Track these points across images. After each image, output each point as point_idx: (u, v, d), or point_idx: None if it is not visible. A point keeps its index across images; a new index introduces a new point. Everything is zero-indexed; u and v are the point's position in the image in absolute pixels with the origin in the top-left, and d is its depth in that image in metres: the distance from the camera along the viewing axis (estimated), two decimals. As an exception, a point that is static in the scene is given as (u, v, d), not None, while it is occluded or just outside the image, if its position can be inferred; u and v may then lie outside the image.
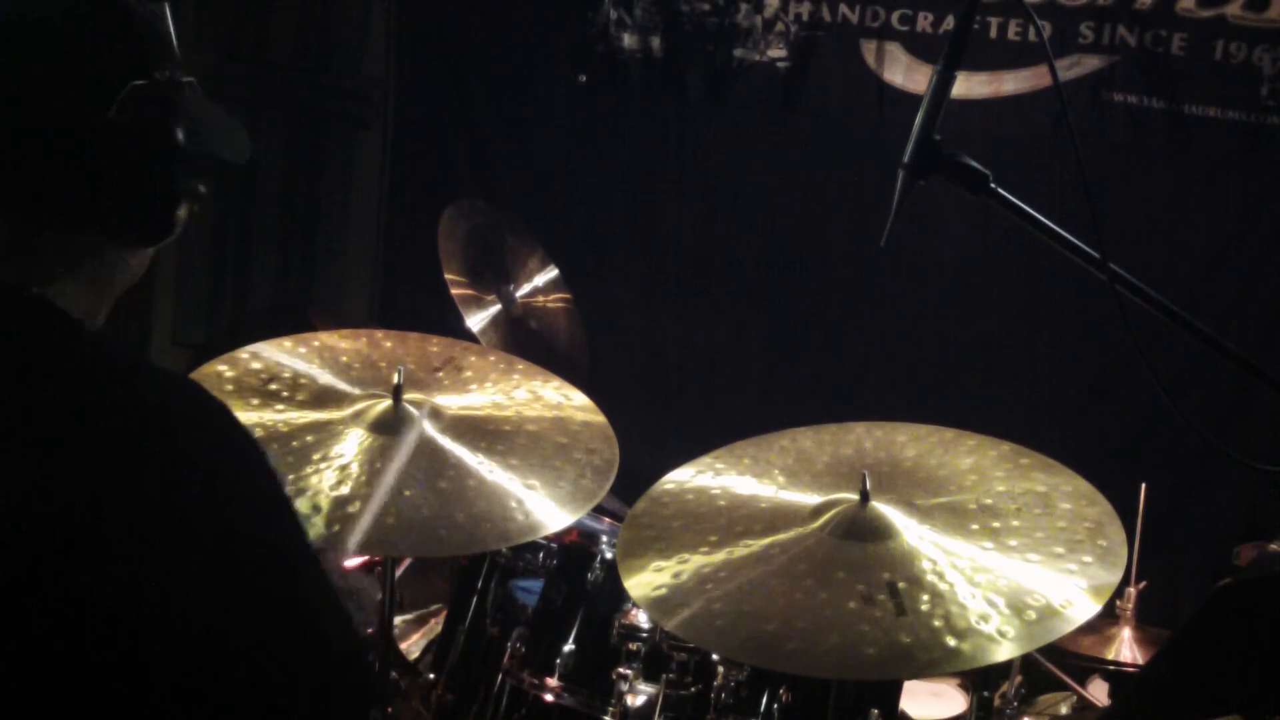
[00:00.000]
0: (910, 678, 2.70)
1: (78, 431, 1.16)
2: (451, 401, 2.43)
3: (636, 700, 2.37)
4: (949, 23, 3.97)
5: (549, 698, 2.45)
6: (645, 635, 2.41)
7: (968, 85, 3.91)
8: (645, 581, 2.11)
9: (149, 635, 1.13)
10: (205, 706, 1.15)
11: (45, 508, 1.12)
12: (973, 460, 2.27)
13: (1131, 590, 3.10)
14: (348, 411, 2.35)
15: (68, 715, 1.11)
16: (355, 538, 2.10)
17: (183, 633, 1.14)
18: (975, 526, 2.10)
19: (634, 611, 2.42)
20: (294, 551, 1.26)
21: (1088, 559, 2.03)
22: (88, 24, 1.24)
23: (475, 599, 2.63)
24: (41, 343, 1.22)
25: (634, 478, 2.39)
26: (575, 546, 2.56)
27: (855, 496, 2.14)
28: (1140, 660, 3.03)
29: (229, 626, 1.16)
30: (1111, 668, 3.11)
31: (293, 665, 1.20)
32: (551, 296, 3.75)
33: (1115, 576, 2.01)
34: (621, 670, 2.39)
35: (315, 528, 2.11)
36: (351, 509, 2.16)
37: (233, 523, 1.19)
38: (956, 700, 3.26)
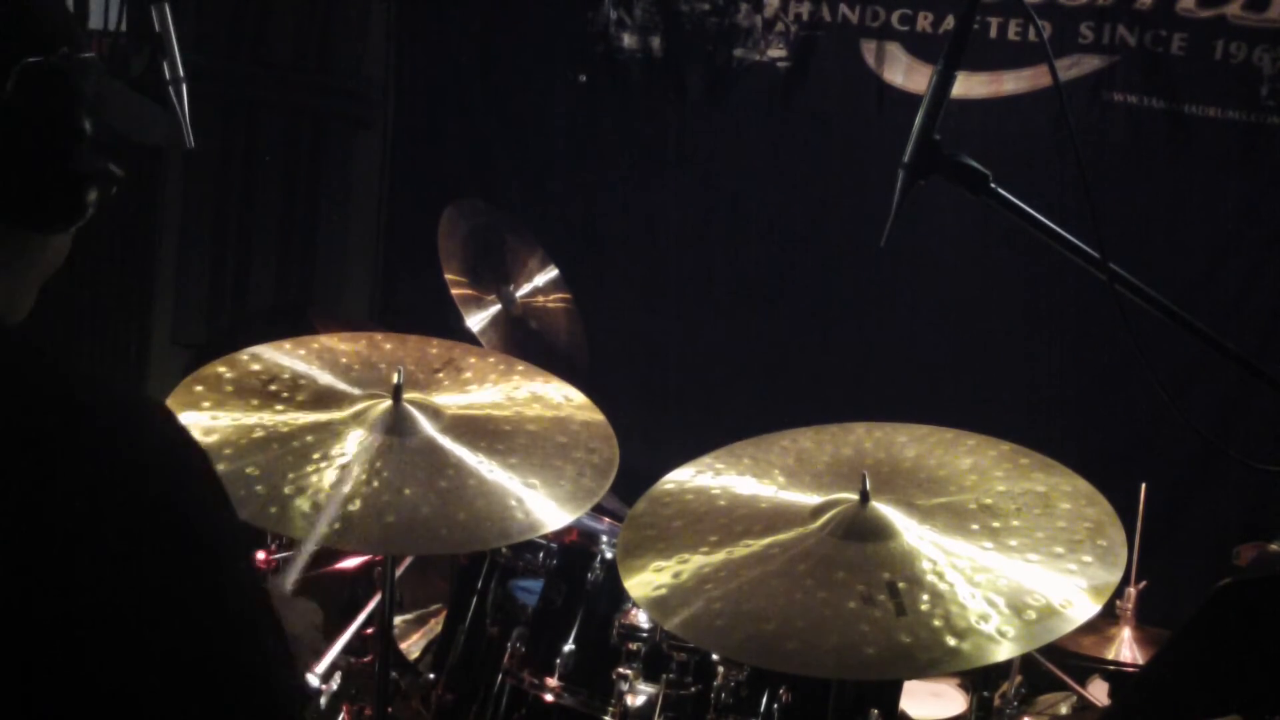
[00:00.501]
0: (910, 678, 2.70)
1: None
2: (452, 401, 2.43)
3: (636, 700, 2.37)
4: (949, 23, 3.97)
5: (549, 698, 2.45)
6: (645, 635, 2.41)
7: (968, 85, 3.91)
8: (645, 581, 2.11)
9: (45, 634, 1.08)
10: None
11: None
12: (973, 460, 2.27)
13: (1131, 590, 3.11)
14: (348, 412, 2.35)
15: None
16: (320, 529, 2.09)
17: (77, 631, 1.08)
18: (975, 526, 2.10)
19: (634, 611, 2.42)
20: (216, 554, 1.18)
21: (1088, 559, 2.03)
22: None
23: (475, 599, 2.63)
24: None
25: (634, 478, 2.39)
26: (575, 546, 2.56)
27: (855, 496, 2.14)
28: (1140, 660, 3.03)
29: (137, 633, 1.10)
30: (1111, 668, 3.11)
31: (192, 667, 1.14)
32: (551, 296, 3.75)
33: (1115, 576, 2.01)
34: (621, 670, 2.39)
35: (316, 526, 2.12)
36: (351, 508, 2.16)
37: (148, 522, 1.13)
38: (956, 700, 3.26)
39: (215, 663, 1.15)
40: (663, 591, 2.08)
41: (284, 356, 2.47)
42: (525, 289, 3.69)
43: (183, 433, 1.21)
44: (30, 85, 1.20)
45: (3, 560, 1.07)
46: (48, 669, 1.07)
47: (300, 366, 2.45)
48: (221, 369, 2.41)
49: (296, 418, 2.32)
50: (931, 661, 1.91)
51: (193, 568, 1.15)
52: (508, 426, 2.40)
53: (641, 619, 2.41)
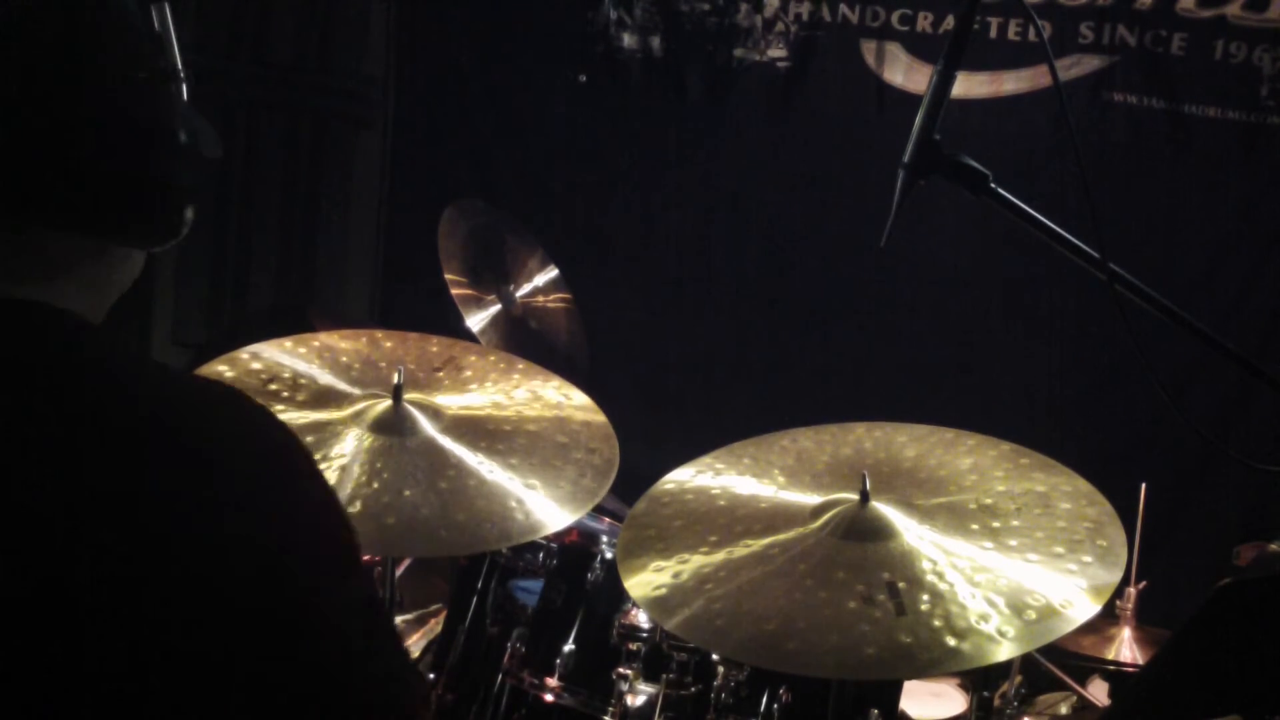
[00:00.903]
0: (910, 678, 2.70)
1: (79, 436, 1.10)
2: (452, 401, 2.43)
3: (636, 700, 2.37)
4: (949, 23, 3.97)
5: (549, 698, 2.45)
6: (645, 635, 2.41)
7: (968, 85, 3.91)
8: (645, 581, 2.10)
9: (144, 644, 1.07)
10: None
11: (45, 514, 1.07)
12: (973, 460, 2.27)
13: (1131, 590, 3.11)
14: (348, 412, 2.35)
15: None
16: None
17: (181, 644, 1.07)
18: (975, 526, 2.10)
19: (634, 611, 2.42)
20: (323, 567, 1.16)
21: (1088, 559, 2.03)
22: (83, 17, 1.19)
23: (475, 599, 2.63)
24: (41, 345, 1.17)
25: (634, 478, 2.39)
26: (575, 546, 2.56)
27: (855, 496, 2.14)
28: (1140, 660, 3.03)
29: (232, 644, 1.09)
30: (1111, 668, 3.11)
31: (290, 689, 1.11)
32: (551, 296, 3.75)
33: (1115, 576, 2.01)
34: (621, 670, 2.38)
35: None
36: (352, 509, 2.16)
37: (248, 527, 1.11)
38: (956, 700, 3.26)
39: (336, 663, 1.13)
40: (663, 591, 2.08)
41: (284, 355, 2.46)
42: (525, 289, 3.69)
43: (283, 435, 1.19)
44: (137, 101, 1.20)
45: (112, 550, 1.06)
46: (137, 637, 1.06)
47: (300, 366, 2.45)
48: (221, 368, 2.40)
49: (296, 417, 2.32)
50: (931, 661, 1.90)
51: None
52: (508, 427, 2.40)
53: (641, 619, 2.41)
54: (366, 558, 2.90)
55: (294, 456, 1.19)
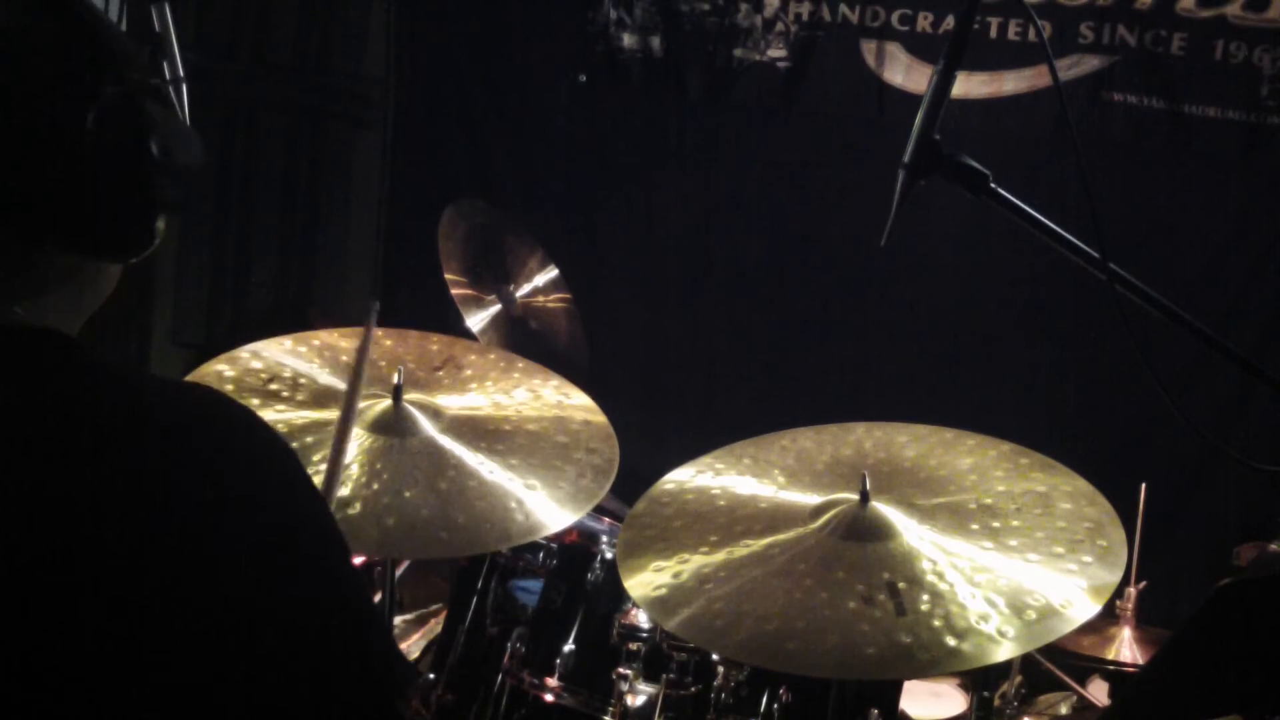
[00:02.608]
0: (910, 678, 2.70)
1: (79, 444, 1.12)
2: (451, 401, 2.43)
3: (636, 700, 2.37)
4: (949, 23, 3.97)
5: (549, 698, 2.45)
6: (645, 635, 2.41)
7: (968, 85, 3.91)
8: (645, 581, 2.11)
9: (146, 643, 1.09)
10: None
11: (49, 513, 1.09)
12: (973, 460, 2.27)
13: (1131, 590, 3.10)
14: (348, 411, 2.35)
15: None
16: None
17: (177, 643, 1.10)
18: (975, 526, 2.10)
19: (634, 611, 2.42)
20: (321, 569, 1.18)
21: (1088, 559, 2.03)
22: (58, 35, 1.18)
23: (475, 599, 2.63)
24: (35, 361, 1.17)
25: (634, 478, 2.39)
26: (575, 546, 2.55)
27: (855, 496, 2.14)
28: (1140, 660, 3.03)
29: (227, 639, 1.11)
30: (1111, 668, 3.11)
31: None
32: (551, 296, 3.75)
33: (1115, 576, 2.02)
34: (621, 670, 2.38)
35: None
36: (351, 510, 2.16)
37: (246, 529, 1.14)
38: (956, 700, 3.26)
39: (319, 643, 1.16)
40: (663, 591, 2.08)
41: (284, 354, 2.46)
42: (525, 289, 3.69)
43: (273, 440, 1.22)
44: (110, 116, 1.18)
45: (112, 558, 1.08)
46: (138, 635, 1.09)
47: (301, 365, 2.45)
48: (221, 368, 2.41)
49: (297, 417, 2.32)
50: (931, 661, 1.91)
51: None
52: (508, 427, 2.40)
53: (641, 619, 2.41)
54: (367, 558, 2.91)
55: (284, 458, 1.21)
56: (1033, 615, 1.93)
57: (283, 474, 1.20)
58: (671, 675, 2.37)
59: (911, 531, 2.09)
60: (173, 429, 1.16)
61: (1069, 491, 2.18)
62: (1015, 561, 2.03)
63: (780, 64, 4.17)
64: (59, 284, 1.23)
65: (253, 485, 1.17)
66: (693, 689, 2.38)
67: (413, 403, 2.36)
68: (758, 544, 2.12)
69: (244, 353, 2.44)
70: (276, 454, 1.21)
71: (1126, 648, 3.07)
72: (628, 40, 4.29)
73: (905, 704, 2.58)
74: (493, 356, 2.63)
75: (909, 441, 2.35)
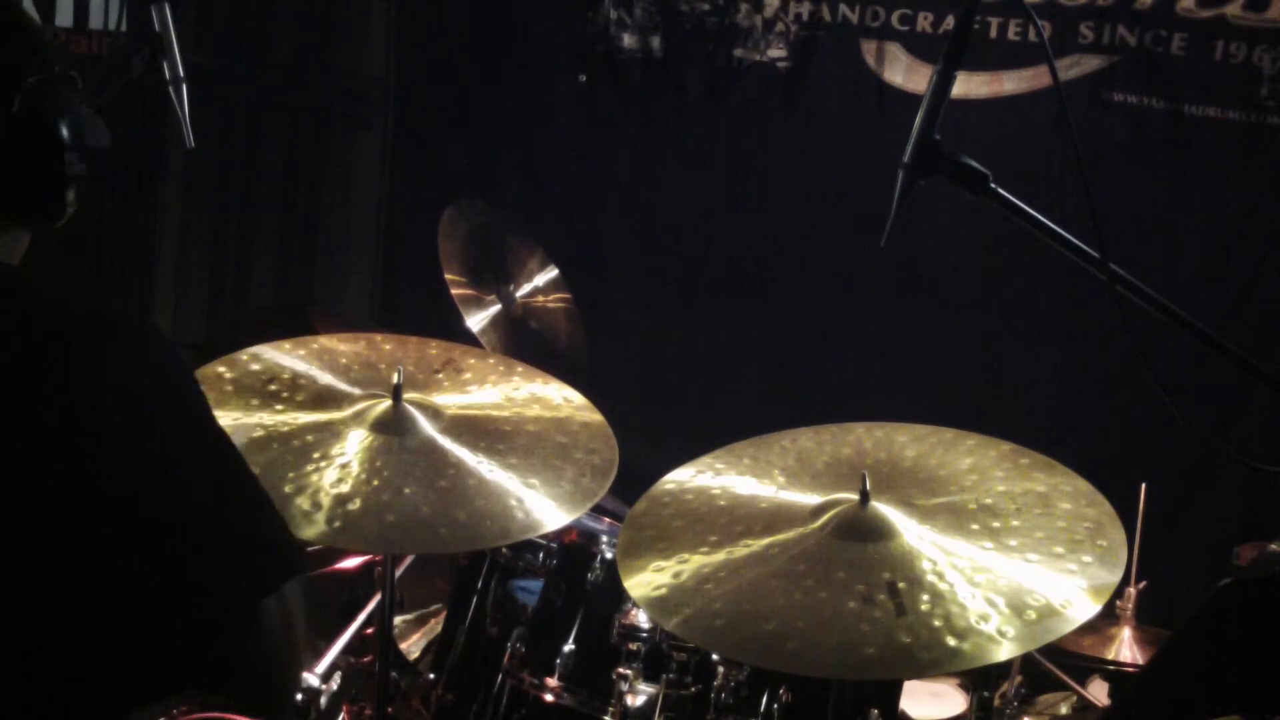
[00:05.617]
0: (910, 678, 2.70)
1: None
2: (451, 402, 2.43)
3: (636, 700, 2.37)
4: (949, 23, 3.97)
5: (549, 698, 2.45)
6: (645, 635, 2.41)
7: (968, 85, 3.91)
8: (645, 581, 2.11)
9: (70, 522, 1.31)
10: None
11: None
12: (973, 460, 2.27)
13: (1131, 590, 3.10)
14: (348, 412, 2.35)
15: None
16: None
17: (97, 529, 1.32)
18: (975, 526, 2.10)
19: (634, 611, 2.42)
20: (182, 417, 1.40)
21: (1088, 559, 2.03)
22: None
23: (475, 599, 2.63)
24: None
25: (634, 478, 2.39)
26: (575, 546, 2.56)
27: (855, 496, 2.14)
28: (1140, 660, 3.03)
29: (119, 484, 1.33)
30: (1111, 668, 3.11)
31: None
32: (551, 296, 3.75)
33: (1115, 576, 2.02)
34: (621, 670, 2.38)
35: (316, 524, 2.12)
36: (351, 506, 2.16)
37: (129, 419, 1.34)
38: (956, 700, 3.26)
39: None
40: (663, 591, 2.08)
41: (284, 356, 2.47)
42: (525, 289, 3.69)
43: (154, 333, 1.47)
44: (33, 102, 1.42)
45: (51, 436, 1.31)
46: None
47: (300, 366, 2.45)
48: (221, 369, 2.41)
49: (296, 418, 2.32)
50: (931, 661, 1.91)
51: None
52: (507, 427, 2.40)
53: (641, 619, 2.41)
54: (367, 557, 2.91)
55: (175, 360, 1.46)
56: (1033, 615, 1.93)
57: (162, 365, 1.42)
58: (671, 675, 2.37)
59: (911, 531, 2.09)
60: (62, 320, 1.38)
61: (1069, 491, 2.18)
62: (1015, 561, 2.03)
63: (780, 64, 4.18)
64: None
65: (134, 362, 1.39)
66: (693, 689, 2.38)
67: (412, 403, 2.37)
68: (758, 544, 2.12)
69: (244, 355, 2.45)
70: (160, 346, 1.44)
71: (1126, 648, 3.07)
72: (628, 40, 4.29)
73: (905, 704, 2.58)
74: (491, 361, 2.63)
75: (909, 441, 2.35)
